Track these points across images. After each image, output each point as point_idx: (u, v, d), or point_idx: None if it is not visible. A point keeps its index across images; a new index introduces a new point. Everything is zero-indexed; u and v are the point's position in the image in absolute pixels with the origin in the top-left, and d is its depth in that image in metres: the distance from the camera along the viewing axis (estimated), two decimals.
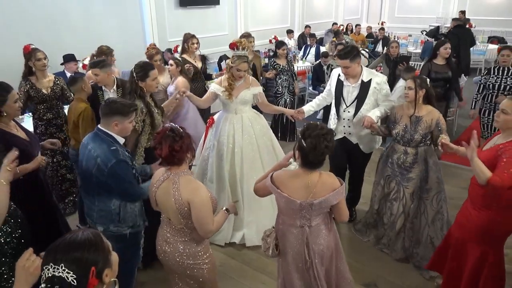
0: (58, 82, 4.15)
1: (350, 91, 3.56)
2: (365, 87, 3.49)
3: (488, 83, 4.90)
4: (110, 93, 3.79)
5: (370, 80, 3.49)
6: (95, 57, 4.50)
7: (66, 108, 4.50)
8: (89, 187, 2.58)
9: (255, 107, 3.98)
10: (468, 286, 2.77)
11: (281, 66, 5.90)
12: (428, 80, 3.26)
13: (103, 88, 3.78)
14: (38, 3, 6.09)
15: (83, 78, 3.63)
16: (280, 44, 6.04)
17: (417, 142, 3.28)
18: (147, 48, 4.83)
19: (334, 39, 8.47)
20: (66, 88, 4.19)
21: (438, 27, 11.67)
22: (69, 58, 5.66)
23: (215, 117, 3.94)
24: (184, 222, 2.19)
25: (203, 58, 5.44)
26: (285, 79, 5.97)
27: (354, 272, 3.43)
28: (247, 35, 5.77)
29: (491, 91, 4.94)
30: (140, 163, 3.09)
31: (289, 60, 6.03)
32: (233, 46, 3.70)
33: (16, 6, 5.86)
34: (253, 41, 5.74)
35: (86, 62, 4.94)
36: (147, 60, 3.95)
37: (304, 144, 2.15)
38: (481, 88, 5.05)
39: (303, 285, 2.43)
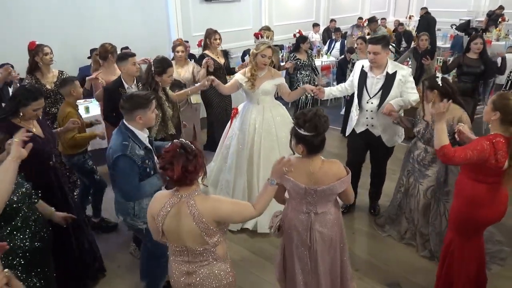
0: (62, 77, 4.08)
1: (374, 83, 3.54)
2: (390, 78, 3.47)
3: None
4: (132, 89, 3.79)
5: (395, 72, 3.48)
6: (97, 56, 4.51)
7: None
8: (110, 177, 2.69)
9: (279, 98, 4.05)
10: (439, 270, 2.96)
11: (302, 61, 5.81)
12: (439, 77, 3.06)
13: (125, 85, 3.76)
14: (69, 2, 6.22)
15: (74, 82, 3.54)
16: (303, 38, 5.95)
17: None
18: (174, 41, 4.89)
19: (360, 33, 8.26)
20: None
21: (469, 21, 11.27)
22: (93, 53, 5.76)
23: (239, 107, 4.06)
24: (210, 240, 2.01)
25: (225, 53, 5.43)
26: (306, 74, 5.87)
27: (376, 271, 3.40)
28: (266, 29, 5.73)
29: None
30: None
31: (310, 55, 5.92)
32: (257, 35, 3.85)
33: (46, 2, 6.00)
34: (272, 36, 5.67)
35: None
36: (165, 56, 3.93)
37: (305, 132, 2.18)
38: (509, 84, 4.86)
39: (302, 271, 2.47)
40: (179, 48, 4.87)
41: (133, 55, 3.77)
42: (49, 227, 2.48)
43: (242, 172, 3.87)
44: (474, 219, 2.63)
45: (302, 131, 2.20)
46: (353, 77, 3.73)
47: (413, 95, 3.49)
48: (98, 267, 3.34)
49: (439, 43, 10.68)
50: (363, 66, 3.61)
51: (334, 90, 3.90)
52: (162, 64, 3.33)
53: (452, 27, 10.97)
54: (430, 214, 3.43)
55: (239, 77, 3.81)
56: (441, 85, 3.03)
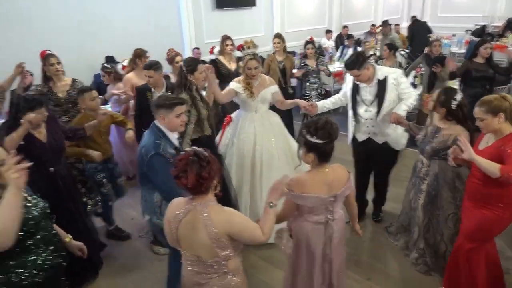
0: (74, 85, 4.12)
1: (368, 91, 3.53)
2: (382, 85, 3.47)
3: None
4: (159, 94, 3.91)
5: (386, 77, 3.46)
6: (133, 61, 4.65)
7: None
8: (140, 176, 2.74)
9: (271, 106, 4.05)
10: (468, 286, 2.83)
11: (310, 67, 5.77)
12: (458, 98, 2.91)
13: (153, 90, 3.91)
14: (83, 10, 6.39)
15: (83, 94, 3.57)
16: (306, 43, 5.93)
17: (428, 154, 3.10)
18: (167, 53, 4.85)
19: (372, 39, 8.22)
20: None
21: (484, 26, 11.12)
22: (107, 60, 5.87)
23: (233, 115, 4.04)
24: (222, 253, 1.97)
25: (239, 60, 5.45)
26: (314, 82, 5.82)
27: (388, 280, 3.34)
28: (278, 36, 5.77)
29: None
30: None
31: (319, 61, 5.87)
32: (239, 47, 3.91)
33: (63, 12, 6.15)
34: (283, 42, 5.69)
35: (125, 63, 5.08)
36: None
37: (317, 140, 2.19)
38: None
39: (319, 279, 2.47)
40: (178, 58, 4.86)
41: (147, 67, 3.91)
42: (63, 250, 2.24)
43: (245, 181, 3.83)
44: (506, 223, 2.65)
45: (314, 139, 2.20)
46: (346, 88, 3.73)
47: (411, 95, 3.47)
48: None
49: (453, 49, 10.57)
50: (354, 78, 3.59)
51: (327, 103, 3.88)
52: (192, 62, 3.43)
53: (467, 33, 10.84)
54: (422, 226, 3.34)
55: (234, 85, 3.78)
56: (453, 108, 2.92)
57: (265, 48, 6.16)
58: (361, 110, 3.60)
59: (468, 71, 5.03)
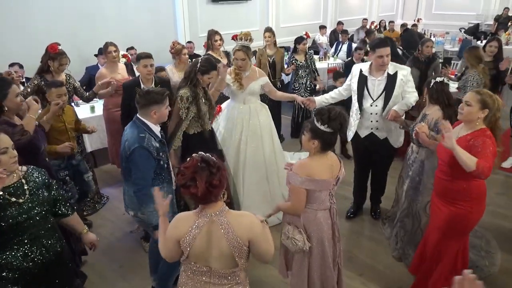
0: (70, 81, 4.05)
1: (376, 85, 3.51)
2: (392, 80, 3.46)
3: None
4: None
5: (396, 72, 3.47)
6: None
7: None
8: (123, 170, 2.73)
9: (263, 96, 4.07)
10: (424, 276, 2.88)
11: (299, 62, 5.83)
12: (438, 79, 3.08)
13: (142, 86, 3.79)
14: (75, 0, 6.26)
15: (59, 89, 3.38)
16: (300, 39, 5.94)
17: (416, 140, 3.17)
18: (172, 46, 4.67)
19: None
20: (78, 86, 4.16)
21: (477, 25, 11.20)
22: (100, 52, 5.79)
23: (223, 105, 4.08)
24: (240, 262, 1.84)
25: (227, 54, 5.40)
26: (303, 75, 5.87)
27: (380, 276, 3.35)
28: (268, 29, 5.81)
29: None
30: (177, 145, 3.31)
31: (309, 57, 5.91)
32: (234, 37, 3.93)
33: (54, 2, 6.04)
34: (274, 36, 5.80)
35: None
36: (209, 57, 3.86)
37: (327, 128, 2.22)
38: None
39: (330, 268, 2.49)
40: (185, 51, 4.80)
41: (147, 56, 3.79)
42: (56, 250, 2.19)
43: (228, 171, 3.80)
44: (477, 217, 2.64)
45: (324, 128, 2.23)
46: (351, 81, 3.67)
47: (412, 96, 3.49)
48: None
49: (446, 47, 10.62)
50: (361, 70, 3.57)
51: (327, 97, 3.81)
52: (208, 65, 3.32)
53: (460, 31, 10.90)
54: (400, 210, 3.42)
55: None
56: (432, 86, 3.06)
57: (260, 42, 6.13)
58: (367, 104, 3.57)
59: None
